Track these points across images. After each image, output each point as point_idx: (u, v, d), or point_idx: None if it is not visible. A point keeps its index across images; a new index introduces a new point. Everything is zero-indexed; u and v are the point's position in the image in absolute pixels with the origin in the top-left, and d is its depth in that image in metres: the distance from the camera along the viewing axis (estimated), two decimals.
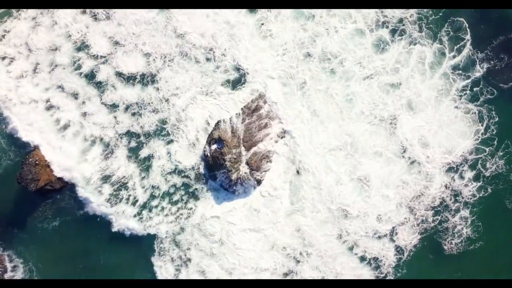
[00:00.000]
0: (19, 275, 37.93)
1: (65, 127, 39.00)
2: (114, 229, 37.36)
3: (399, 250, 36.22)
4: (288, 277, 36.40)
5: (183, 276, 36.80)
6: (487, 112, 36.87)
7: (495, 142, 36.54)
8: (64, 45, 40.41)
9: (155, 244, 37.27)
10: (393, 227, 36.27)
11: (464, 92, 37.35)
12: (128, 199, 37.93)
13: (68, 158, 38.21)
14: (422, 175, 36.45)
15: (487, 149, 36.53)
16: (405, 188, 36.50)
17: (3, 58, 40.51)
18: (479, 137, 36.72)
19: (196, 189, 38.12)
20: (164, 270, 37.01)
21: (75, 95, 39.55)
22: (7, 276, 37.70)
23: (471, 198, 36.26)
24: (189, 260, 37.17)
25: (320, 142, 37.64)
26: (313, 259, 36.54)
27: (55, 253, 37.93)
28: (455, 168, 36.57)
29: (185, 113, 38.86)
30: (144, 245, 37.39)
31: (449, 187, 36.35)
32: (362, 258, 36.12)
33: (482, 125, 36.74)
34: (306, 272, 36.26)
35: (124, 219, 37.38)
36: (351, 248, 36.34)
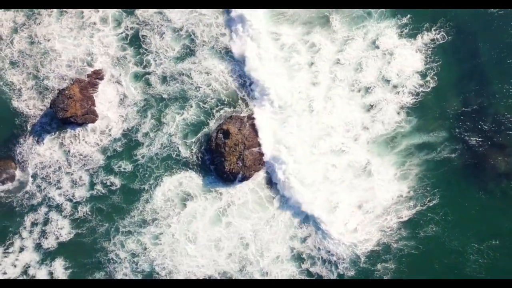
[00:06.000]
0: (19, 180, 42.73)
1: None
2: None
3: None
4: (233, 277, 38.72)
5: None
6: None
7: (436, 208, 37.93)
8: None
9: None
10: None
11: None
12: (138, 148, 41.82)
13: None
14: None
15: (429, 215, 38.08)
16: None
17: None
18: (424, 203, 38.41)
19: (190, 164, 41.20)
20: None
21: (115, 58, 43.40)
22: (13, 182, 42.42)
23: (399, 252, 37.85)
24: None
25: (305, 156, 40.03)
26: (261, 264, 38.91)
27: None
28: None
29: (203, 91, 42.06)
30: None
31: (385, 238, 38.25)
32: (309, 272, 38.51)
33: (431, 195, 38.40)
34: (254, 275, 38.69)
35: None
36: (299, 259, 38.70)
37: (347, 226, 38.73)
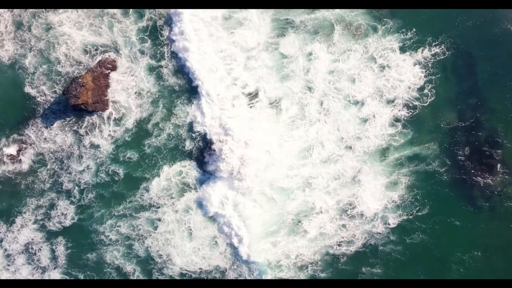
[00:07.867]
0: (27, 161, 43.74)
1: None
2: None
3: None
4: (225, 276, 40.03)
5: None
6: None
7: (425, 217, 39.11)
8: None
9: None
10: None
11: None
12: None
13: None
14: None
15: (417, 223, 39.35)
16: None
17: None
18: (413, 211, 39.61)
19: (192, 157, 41.97)
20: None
21: (129, 49, 44.02)
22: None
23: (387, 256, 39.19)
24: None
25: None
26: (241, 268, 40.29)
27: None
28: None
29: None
30: None
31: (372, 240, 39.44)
32: None
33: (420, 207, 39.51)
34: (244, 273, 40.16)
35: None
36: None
37: (323, 230, 39.96)
